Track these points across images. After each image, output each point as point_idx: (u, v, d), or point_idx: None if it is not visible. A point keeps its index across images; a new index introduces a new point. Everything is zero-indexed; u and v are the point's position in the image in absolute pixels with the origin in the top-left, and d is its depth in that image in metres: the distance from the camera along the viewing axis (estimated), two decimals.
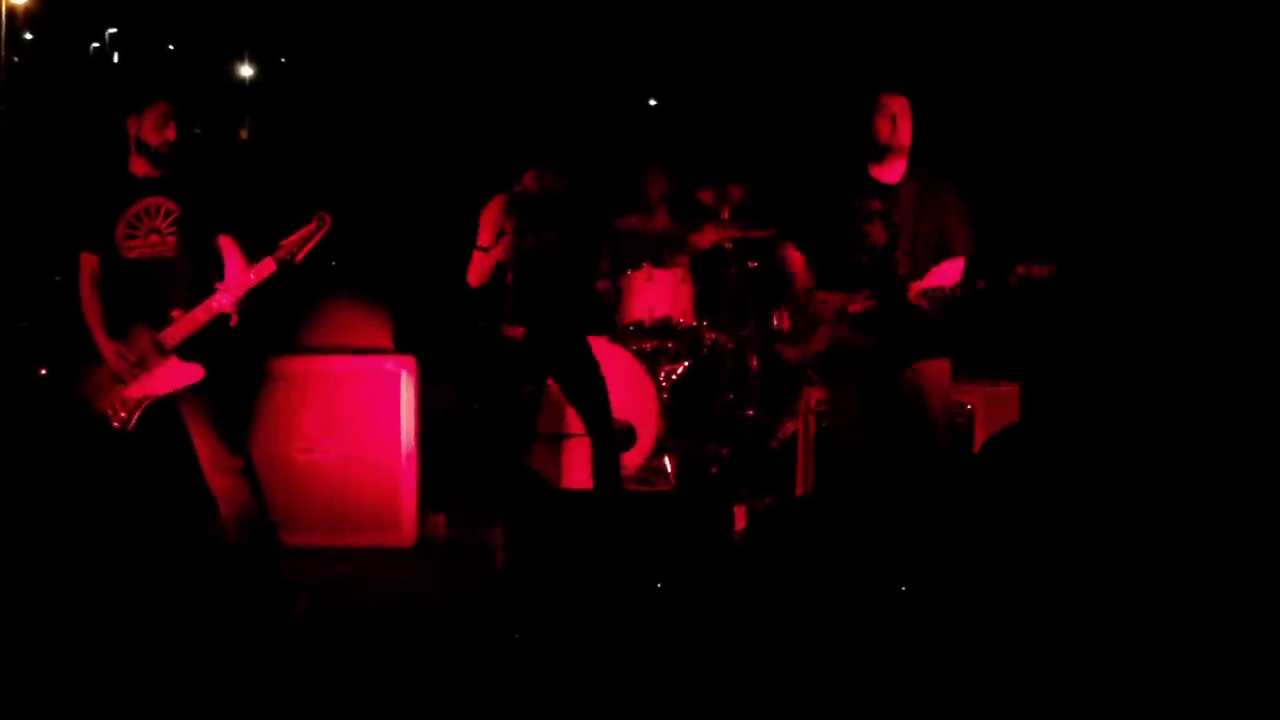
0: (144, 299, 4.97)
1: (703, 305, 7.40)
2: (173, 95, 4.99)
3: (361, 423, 6.28)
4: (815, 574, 5.52)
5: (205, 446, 5.02)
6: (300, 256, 4.95)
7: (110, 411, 4.99)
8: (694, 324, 7.27)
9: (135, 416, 4.98)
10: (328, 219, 4.96)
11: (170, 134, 4.94)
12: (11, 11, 8.19)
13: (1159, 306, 6.38)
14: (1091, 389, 6.44)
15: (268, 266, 4.91)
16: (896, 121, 5.18)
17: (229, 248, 4.98)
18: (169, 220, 4.97)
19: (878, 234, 5.21)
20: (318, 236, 4.95)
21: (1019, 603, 5.00)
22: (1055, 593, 5.14)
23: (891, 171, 5.24)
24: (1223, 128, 6.26)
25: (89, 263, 5.07)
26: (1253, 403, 5.98)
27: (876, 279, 5.21)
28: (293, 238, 4.94)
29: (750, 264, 7.50)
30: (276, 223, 5.07)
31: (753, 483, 6.95)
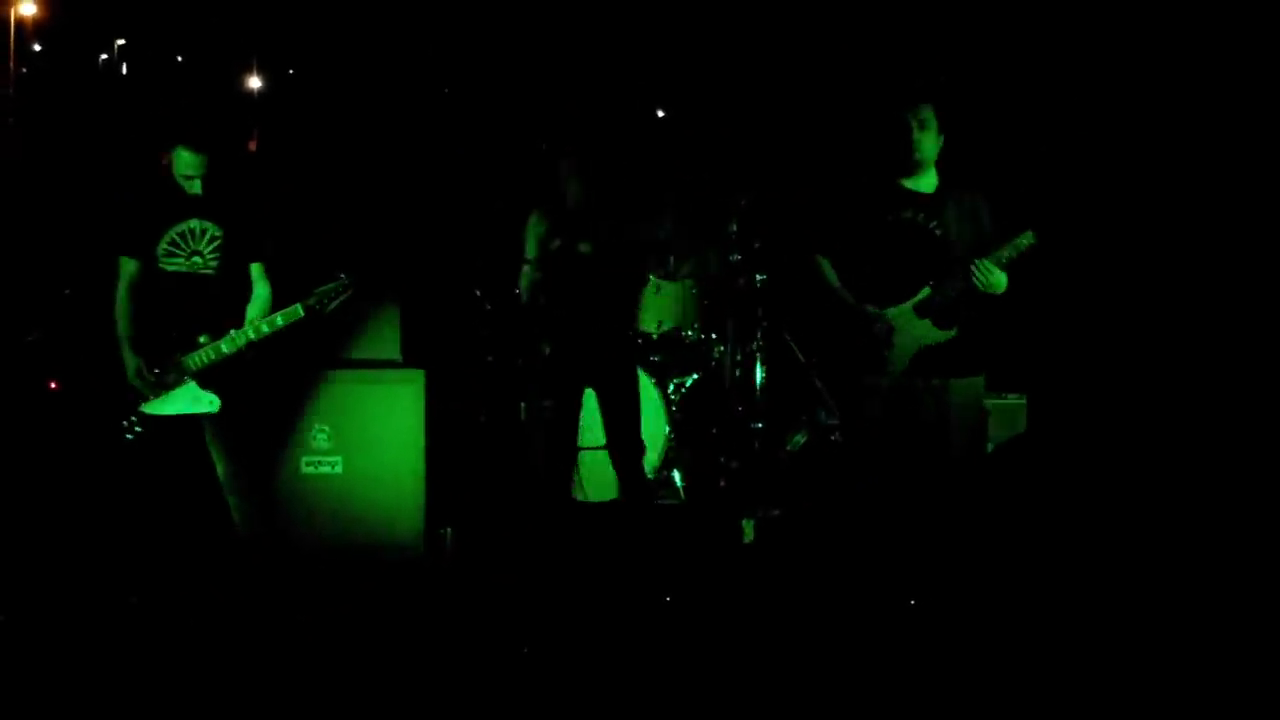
0: (175, 315, 5.10)
1: (711, 317, 7.40)
2: (193, 140, 5.09)
3: (370, 436, 6.27)
4: (824, 584, 5.52)
5: (220, 465, 5.14)
6: (327, 309, 5.10)
7: (125, 424, 5.07)
8: (702, 336, 7.27)
9: (147, 432, 5.07)
10: (352, 278, 5.11)
11: (195, 179, 5.09)
12: (21, 23, 8.21)
13: (1162, 316, 6.37)
14: (1096, 399, 6.44)
15: (295, 314, 5.05)
16: (928, 132, 5.08)
17: (260, 275, 5.20)
18: (212, 246, 5.13)
19: (924, 245, 5.11)
20: (345, 294, 5.10)
21: (1024, 610, 5.01)
22: (1060, 599, 5.15)
23: (926, 182, 5.17)
24: (1224, 130, 6.25)
25: (129, 268, 5.17)
26: (1254, 412, 5.98)
27: (947, 278, 5.07)
28: (323, 289, 5.08)
29: (758, 276, 7.50)
30: (297, 245, 5.21)
31: (761, 494, 6.94)
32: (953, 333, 5.06)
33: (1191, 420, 6.13)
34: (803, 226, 5.35)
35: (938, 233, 5.08)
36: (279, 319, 5.06)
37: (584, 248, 5.74)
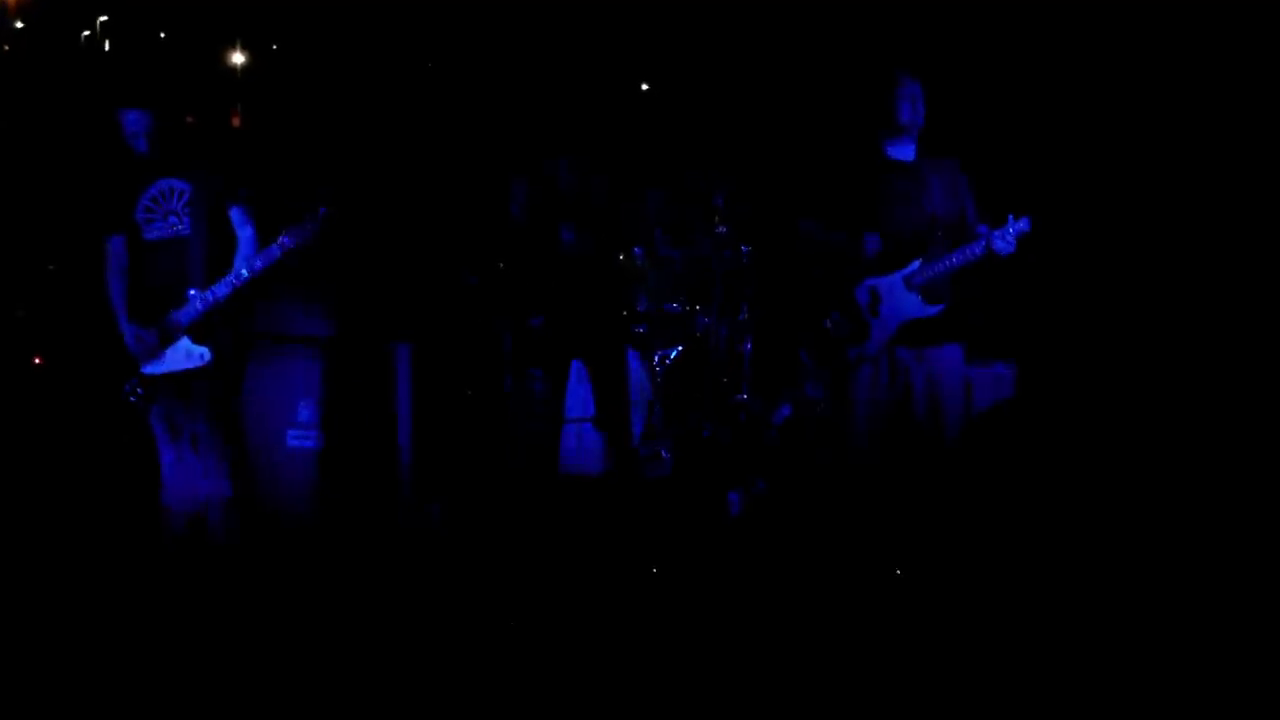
0: (163, 279, 5.10)
1: (696, 291, 7.41)
2: (151, 100, 5.07)
3: (356, 409, 6.28)
4: (810, 558, 5.54)
5: (201, 422, 5.13)
6: (305, 244, 5.03)
7: (128, 388, 5.13)
8: (687, 309, 7.28)
9: (150, 393, 5.13)
10: (330, 210, 5.04)
11: (139, 136, 5.07)
12: (2, 2, 8.15)
13: (1152, 287, 6.38)
14: (1084, 369, 6.45)
15: (273, 254, 5.00)
16: (915, 102, 5.09)
17: (241, 220, 5.15)
18: (183, 201, 5.11)
19: (911, 213, 5.10)
20: (321, 227, 5.02)
21: (1009, 587, 5.03)
22: (1045, 576, 5.17)
23: (906, 151, 5.17)
24: (1222, 120, 6.26)
25: (116, 246, 5.21)
26: (1246, 390, 6.00)
27: (923, 251, 5.07)
28: (297, 226, 5.00)
29: (743, 248, 7.51)
30: (277, 205, 5.16)
31: (747, 468, 6.96)
32: (940, 307, 5.07)
33: (1183, 397, 6.15)
34: (792, 190, 5.33)
35: (925, 208, 5.09)
36: (257, 261, 5.02)
37: (573, 228, 5.77)
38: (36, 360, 6.32)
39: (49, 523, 5.88)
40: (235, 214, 5.15)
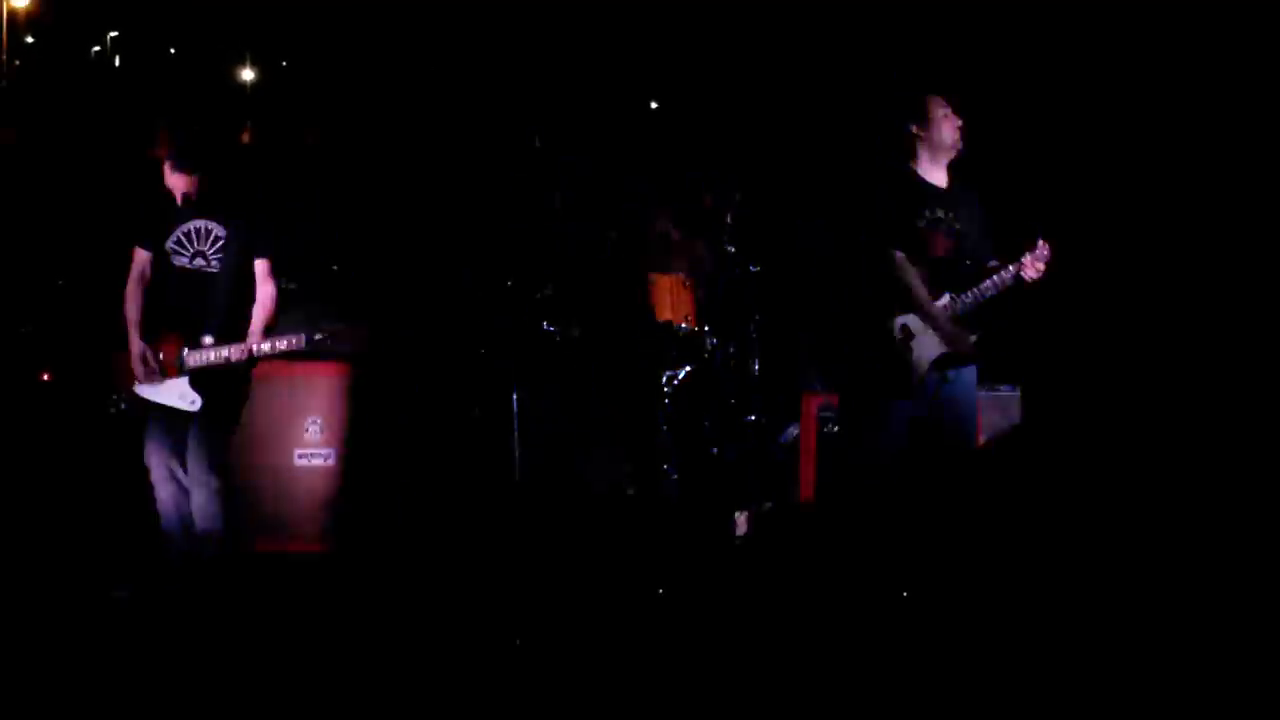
0: (181, 310, 5.19)
1: (704, 310, 7.39)
2: (190, 164, 5.15)
3: (361, 427, 6.28)
4: (818, 579, 5.52)
5: (190, 458, 5.20)
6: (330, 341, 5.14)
7: (114, 397, 5.25)
8: (695, 329, 7.26)
9: (133, 411, 5.23)
10: (365, 332, 5.14)
11: (192, 194, 5.16)
12: (13, 16, 8.19)
13: (1158, 306, 6.36)
14: (1091, 390, 6.43)
15: (299, 343, 5.07)
16: (955, 124, 4.99)
17: (264, 273, 5.22)
18: (216, 246, 5.19)
19: (952, 241, 5.00)
20: (355, 339, 5.19)
21: (1020, 605, 5.00)
22: (1056, 595, 5.14)
23: (941, 175, 5.06)
24: (1222, 126, 6.24)
25: (140, 258, 5.28)
26: (1251, 403, 5.97)
27: (960, 279, 4.99)
28: (334, 328, 5.15)
29: (751, 268, 7.49)
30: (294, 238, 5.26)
31: (755, 488, 6.94)
32: (974, 337, 5.01)
33: (1190, 416, 6.13)
34: (865, 217, 5.10)
35: (961, 236, 5.01)
36: (281, 345, 5.09)
37: (603, 241, 5.79)
38: (45, 376, 6.33)
39: (55, 533, 5.88)
40: (260, 267, 5.22)
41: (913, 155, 5.04)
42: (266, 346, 5.08)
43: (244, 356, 5.09)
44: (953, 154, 5.02)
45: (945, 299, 4.96)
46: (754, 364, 7.48)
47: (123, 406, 5.22)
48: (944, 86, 5.06)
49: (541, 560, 5.85)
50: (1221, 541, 5.41)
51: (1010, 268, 4.92)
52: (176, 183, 5.16)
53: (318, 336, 5.08)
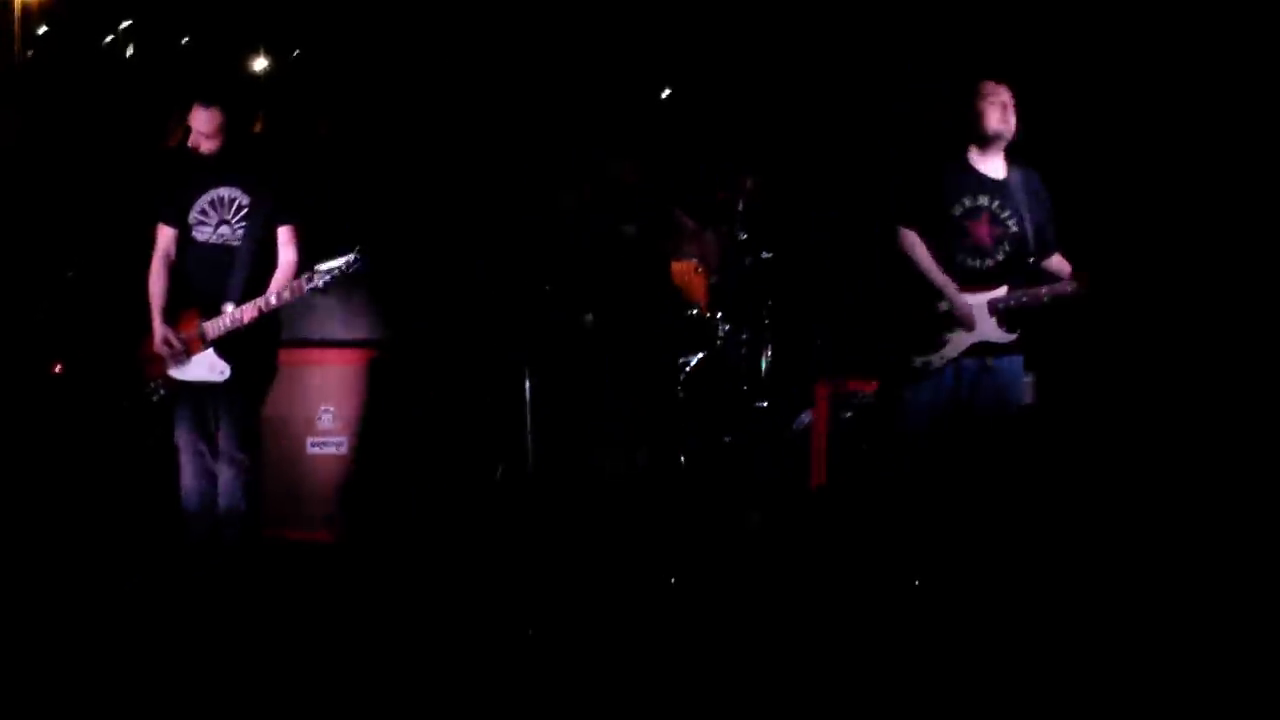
0: (203, 284, 5.16)
1: (717, 297, 7.38)
2: (206, 95, 5.12)
3: (376, 416, 6.28)
4: (830, 566, 5.52)
5: (221, 435, 5.21)
6: (332, 285, 5.12)
7: (150, 386, 5.21)
8: (708, 315, 7.24)
9: (172, 395, 5.21)
10: (362, 253, 5.10)
11: (212, 136, 5.11)
12: (25, 6, 8.19)
13: (1169, 299, 6.33)
14: (1103, 379, 6.40)
15: (301, 287, 5.06)
16: (1007, 110, 4.92)
17: (286, 239, 5.19)
18: (239, 214, 5.16)
19: (999, 230, 4.96)
20: (354, 268, 5.08)
21: (1026, 592, 4.99)
22: (1063, 581, 5.14)
23: (995, 164, 5.01)
24: (1232, 128, 6.20)
25: (166, 236, 5.26)
26: (1257, 398, 5.95)
27: (1011, 274, 4.98)
28: (330, 266, 5.06)
29: (764, 255, 7.48)
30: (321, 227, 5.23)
31: (766, 475, 6.92)
32: (1014, 336, 5.00)
33: (1199, 407, 6.11)
34: (890, 195, 5.10)
35: (1012, 227, 4.98)
36: (286, 295, 5.08)
37: (630, 229, 5.77)
38: (57, 368, 6.34)
39: (67, 526, 5.90)
40: (283, 233, 5.20)
41: (964, 143, 5.00)
42: (274, 299, 5.06)
43: (256, 314, 5.07)
44: (1004, 141, 4.97)
45: (1003, 290, 4.94)
46: (766, 351, 7.47)
47: (162, 393, 5.20)
48: (994, 71, 5.01)
49: (554, 549, 5.85)
50: (1228, 533, 5.41)
51: (1072, 284, 4.92)
52: (200, 123, 5.09)
53: (318, 281, 5.04)
